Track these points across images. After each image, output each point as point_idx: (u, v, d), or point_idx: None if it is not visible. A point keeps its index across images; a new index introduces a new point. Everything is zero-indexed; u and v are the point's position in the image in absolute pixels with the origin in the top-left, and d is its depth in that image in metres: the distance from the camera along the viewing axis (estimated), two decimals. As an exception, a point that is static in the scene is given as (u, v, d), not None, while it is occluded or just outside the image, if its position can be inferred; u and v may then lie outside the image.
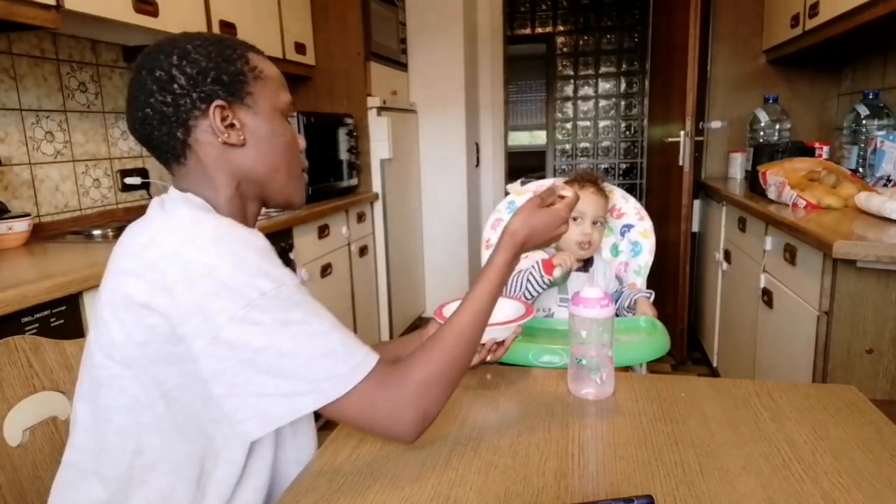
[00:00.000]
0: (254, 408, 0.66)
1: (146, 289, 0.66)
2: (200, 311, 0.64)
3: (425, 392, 0.72)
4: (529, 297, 1.40)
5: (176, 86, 0.74)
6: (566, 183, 1.35)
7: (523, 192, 0.85)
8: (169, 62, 0.74)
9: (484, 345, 0.98)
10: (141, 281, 0.67)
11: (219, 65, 0.75)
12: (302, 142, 0.86)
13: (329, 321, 0.70)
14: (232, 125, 0.76)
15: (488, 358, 1.01)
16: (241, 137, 0.77)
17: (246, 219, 0.82)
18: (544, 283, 1.40)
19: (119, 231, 1.76)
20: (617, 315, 1.49)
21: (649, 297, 1.52)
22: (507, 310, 1.03)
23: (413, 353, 0.76)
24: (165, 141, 0.76)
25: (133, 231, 0.73)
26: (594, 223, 1.49)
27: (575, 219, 1.45)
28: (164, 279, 0.65)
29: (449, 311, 1.05)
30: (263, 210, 0.88)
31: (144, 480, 0.73)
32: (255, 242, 0.70)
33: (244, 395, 0.66)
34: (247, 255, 0.67)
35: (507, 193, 1.68)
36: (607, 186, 1.61)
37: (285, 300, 0.67)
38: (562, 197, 0.91)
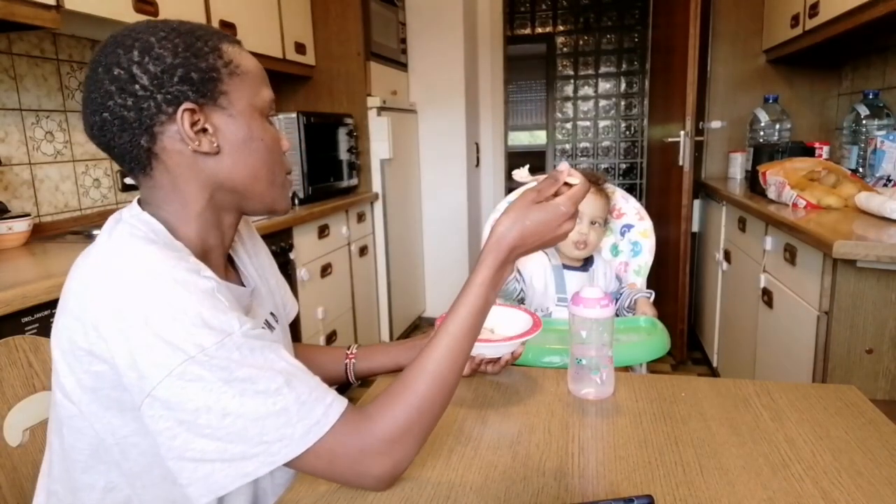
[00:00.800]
0: (194, 472, 0.59)
1: (85, 334, 0.60)
2: (135, 365, 0.58)
3: (391, 448, 0.64)
4: None
5: (138, 86, 0.64)
6: None
7: (531, 181, 0.69)
8: (129, 58, 0.64)
9: (473, 358, 0.93)
10: (80, 324, 0.61)
11: (187, 60, 0.65)
12: (286, 143, 0.77)
13: (282, 375, 0.61)
14: (204, 130, 0.67)
15: (488, 369, 0.99)
16: (215, 144, 0.68)
17: (221, 232, 0.75)
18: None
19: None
20: (617, 315, 1.49)
21: (649, 297, 1.52)
22: (510, 322, 0.99)
23: (380, 398, 0.66)
24: (128, 150, 0.67)
25: (79, 264, 0.66)
26: (592, 223, 1.48)
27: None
28: (99, 326, 0.60)
29: None
30: None
31: None
32: (199, 284, 0.62)
33: (183, 460, 0.59)
34: (186, 304, 0.59)
35: (509, 191, 1.68)
36: (609, 187, 1.61)
37: (230, 353, 0.59)
38: (567, 186, 0.73)
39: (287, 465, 0.61)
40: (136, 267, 0.61)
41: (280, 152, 0.75)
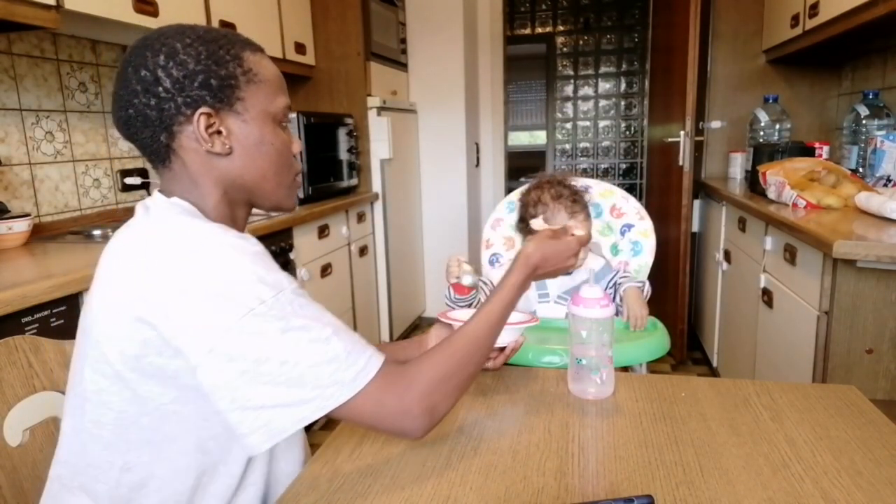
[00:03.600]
0: (255, 420, 0.64)
1: (138, 301, 0.64)
2: (195, 323, 0.62)
3: (434, 389, 0.71)
4: None
5: (161, 88, 0.70)
6: (536, 187, 1.41)
7: (545, 227, 0.97)
8: (155, 62, 0.69)
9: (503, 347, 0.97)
10: (132, 293, 0.64)
11: (208, 68, 0.70)
12: (297, 146, 0.81)
13: (331, 325, 0.68)
14: (218, 132, 0.72)
15: (488, 365, 1.01)
16: (227, 146, 0.73)
17: (235, 224, 0.79)
18: (458, 300, 1.37)
19: (119, 231, 1.77)
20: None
21: (641, 287, 1.46)
22: (510, 318, 1.02)
23: (423, 353, 0.75)
24: (149, 144, 0.73)
25: (120, 239, 0.71)
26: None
27: None
28: (157, 291, 0.63)
29: (453, 315, 1.05)
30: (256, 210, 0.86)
31: (132, 499, 0.71)
32: (248, 248, 0.67)
33: (245, 409, 0.63)
34: (242, 263, 0.65)
35: (508, 191, 1.68)
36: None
37: (284, 307, 0.65)
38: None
39: (337, 411, 0.66)
40: (190, 235, 0.67)
41: (290, 155, 0.80)
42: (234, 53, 0.73)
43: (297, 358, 0.63)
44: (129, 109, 0.71)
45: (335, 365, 0.65)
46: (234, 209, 0.79)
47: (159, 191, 0.77)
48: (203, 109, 0.71)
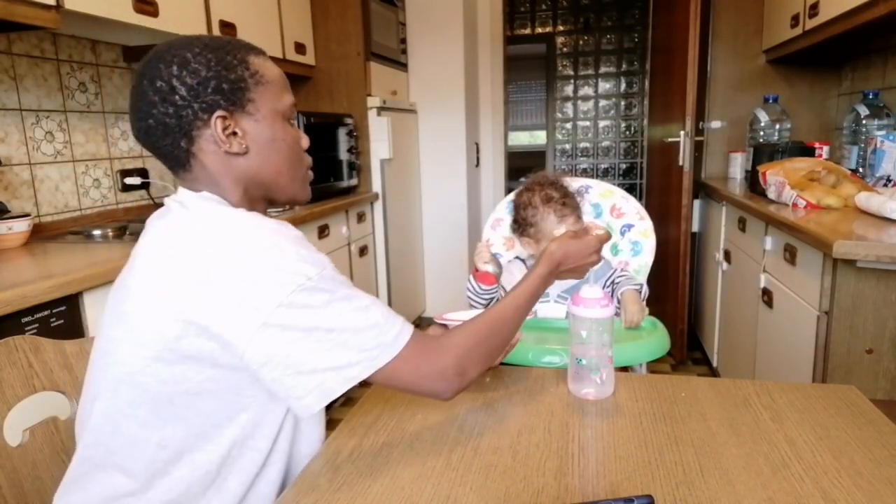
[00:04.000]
0: (310, 382, 0.69)
1: (183, 285, 0.68)
2: (246, 302, 0.67)
3: (466, 354, 0.78)
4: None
5: (177, 97, 0.74)
6: (528, 189, 1.44)
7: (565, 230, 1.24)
8: (169, 72, 0.74)
9: None
10: (178, 277, 0.69)
11: (219, 73, 0.75)
12: (305, 141, 0.87)
13: (367, 296, 0.74)
14: (234, 133, 0.77)
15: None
16: (244, 146, 0.78)
17: None
18: (483, 292, 1.41)
19: (119, 231, 1.77)
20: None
21: (639, 290, 1.45)
22: None
23: (454, 328, 0.82)
24: (170, 151, 0.77)
25: (161, 230, 0.75)
26: None
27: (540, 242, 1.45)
28: (206, 273, 0.68)
29: (451, 315, 1.06)
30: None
31: (168, 472, 0.74)
32: (290, 233, 0.73)
33: (299, 374, 0.69)
34: (286, 245, 0.70)
35: (508, 191, 1.69)
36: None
37: (327, 282, 0.71)
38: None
39: (381, 372, 0.72)
40: (236, 222, 0.72)
41: (300, 150, 0.86)
42: (240, 58, 0.77)
43: (342, 325, 0.70)
44: (149, 120, 0.75)
45: (376, 330, 0.72)
46: (254, 205, 0.83)
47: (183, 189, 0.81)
48: (219, 113, 0.75)
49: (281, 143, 0.81)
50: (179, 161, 0.78)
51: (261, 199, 0.84)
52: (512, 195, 1.69)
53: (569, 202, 1.47)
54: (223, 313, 0.67)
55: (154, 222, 0.77)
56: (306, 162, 0.87)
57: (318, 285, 0.69)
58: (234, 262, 0.68)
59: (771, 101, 2.79)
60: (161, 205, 0.80)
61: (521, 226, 1.51)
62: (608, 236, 1.02)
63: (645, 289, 1.47)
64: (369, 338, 0.71)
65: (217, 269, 0.68)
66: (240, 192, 0.80)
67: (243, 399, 0.74)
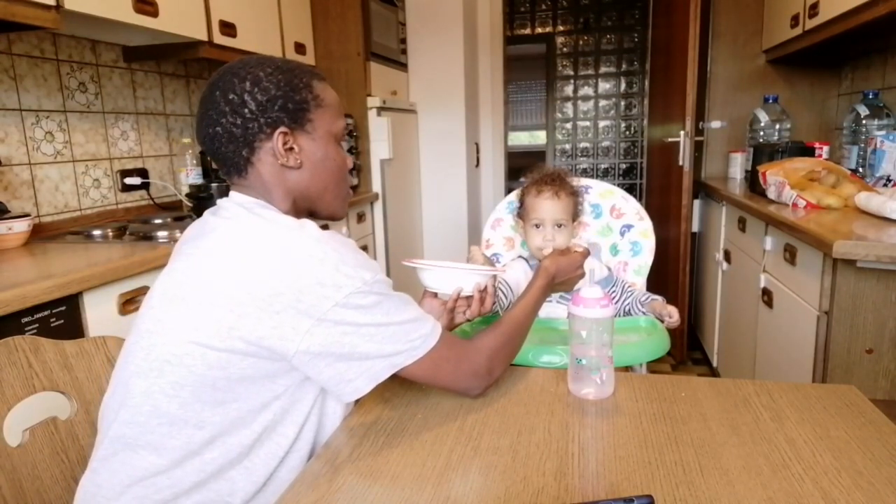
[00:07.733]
0: (360, 366, 0.78)
1: (246, 279, 0.74)
2: (305, 299, 0.73)
3: (494, 355, 0.91)
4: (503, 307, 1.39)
5: (247, 110, 0.82)
6: (531, 186, 1.50)
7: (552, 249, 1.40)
8: (242, 87, 0.82)
9: (471, 296, 1.10)
10: (241, 272, 0.74)
11: (287, 93, 0.83)
12: (350, 163, 0.95)
13: (407, 296, 0.83)
14: (291, 149, 0.85)
15: (467, 315, 1.12)
16: (299, 161, 0.86)
17: None
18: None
19: (119, 231, 1.77)
20: (629, 313, 1.48)
21: (660, 300, 1.47)
22: (476, 270, 1.15)
23: (480, 333, 0.93)
24: (231, 157, 0.85)
25: (231, 226, 0.80)
26: (558, 226, 1.44)
27: (537, 226, 1.44)
28: (271, 271, 0.74)
29: (419, 262, 1.11)
30: None
31: (200, 453, 0.78)
32: (345, 240, 0.81)
33: (352, 358, 0.77)
34: (345, 251, 0.78)
35: (508, 191, 1.69)
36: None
37: (381, 284, 0.79)
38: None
39: (421, 361, 0.81)
40: (302, 227, 0.80)
41: (346, 171, 0.95)
42: (305, 82, 0.86)
43: (390, 321, 0.79)
44: (217, 127, 0.83)
45: (416, 324, 0.82)
46: (299, 216, 0.87)
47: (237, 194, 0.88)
48: (282, 129, 0.84)
49: (331, 161, 0.90)
50: (238, 167, 0.86)
51: (305, 210, 0.92)
52: (514, 194, 1.69)
53: (555, 186, 1.46)
54: (287, 304, 0.73)
55: (212, 219, 0.84)
56: (349, 182, 0.95)
57: (372, 288, 0.77)
58: (304, 262, 0.74)
59: (771, 101, 2.80)
60: (201, 207, 0.86)
61: (521, 212, 1.54)
62: (587, 253, 1.24)
63: (661, 299, 1.50)
64: (412, 330, 0.81)
65: (288, 267, 0.74)
66: (289, 202, 0.88)
67: (276, 387, 0.79)
